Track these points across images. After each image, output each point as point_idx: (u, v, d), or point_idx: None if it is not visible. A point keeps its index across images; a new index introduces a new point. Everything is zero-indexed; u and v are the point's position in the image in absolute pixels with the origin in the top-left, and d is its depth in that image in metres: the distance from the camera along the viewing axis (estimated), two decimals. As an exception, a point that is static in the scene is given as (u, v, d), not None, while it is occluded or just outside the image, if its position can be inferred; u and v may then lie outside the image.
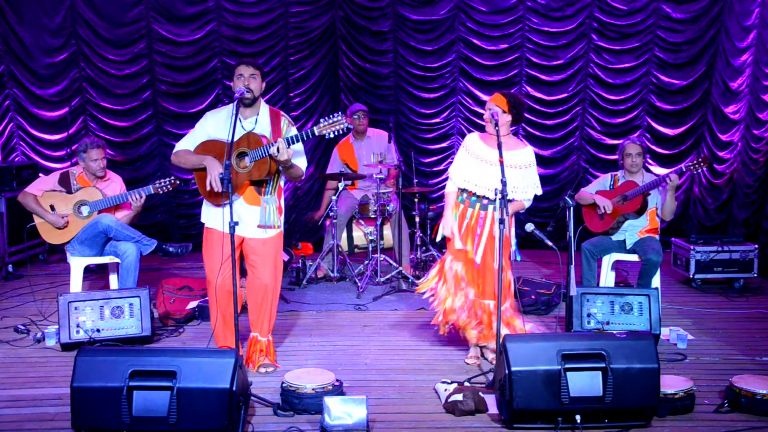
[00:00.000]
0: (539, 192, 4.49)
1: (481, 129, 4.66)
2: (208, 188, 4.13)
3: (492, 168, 4.29)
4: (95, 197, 5.41)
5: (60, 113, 7.87)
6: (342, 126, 4.07)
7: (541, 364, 3.47)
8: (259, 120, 4.26)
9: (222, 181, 3.87)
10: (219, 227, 4.20)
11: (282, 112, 4.36)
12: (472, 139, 4.51)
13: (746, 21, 7.20)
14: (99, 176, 5.51)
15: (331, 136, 4.11)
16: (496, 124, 4.24)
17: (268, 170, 4.14)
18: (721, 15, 7.52)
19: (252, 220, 4.26)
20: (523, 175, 4.39)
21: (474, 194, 4.41)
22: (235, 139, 4.05)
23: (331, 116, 4.09)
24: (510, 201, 4.24)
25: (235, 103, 4.10)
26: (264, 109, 4.31)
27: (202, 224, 4.41)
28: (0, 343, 4.91)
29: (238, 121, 4.12)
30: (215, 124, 4.28)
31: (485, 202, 4.39)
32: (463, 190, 4.46)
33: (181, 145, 4.35)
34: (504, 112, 4.35)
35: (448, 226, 4.46)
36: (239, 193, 4.22)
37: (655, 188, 5.52)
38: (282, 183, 4.38)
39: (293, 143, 4.09)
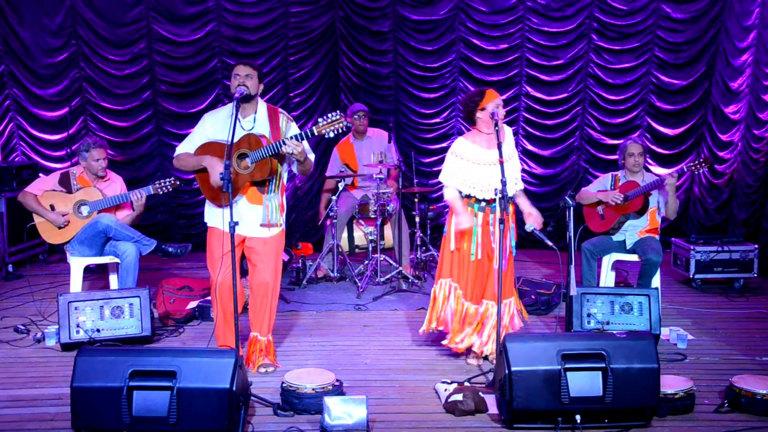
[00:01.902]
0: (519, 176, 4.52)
1: None
2: (215, 186, 4.14)
3: (490, 168, 4.27)
4: (95, 197, 5.41)
5: (60, 113, 7.87)
6: (341, 125, 4.04)
7: (541, 364, 3.47)
8: (257, 118, 4.25)
9: (222, 181, 3.87)
10: (220, 226, 4.21)
11: (280, 109, 4.34)
12: (462, 144, 4.40)
13: (746, 21, 7.20)
14: (100, 176, 5.51)
15: (331, 135, 4.08)
16: (496, 124, 4.23)
17: (269, 170, 4.14)
18: (721, 15, 7.51)
19: (255, 219, 4.25)
20: (513, 166, 4.39)
21: (472, 198, 4.37)
22: (235, 140, 4.05)
23: (329, 115, 4.06)
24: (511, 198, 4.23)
25: (235, 103, 4.09)
26: (261, 107, 4.29)
27: (203, 224, 4.42)
28: (0, 343, 4.92)
29: (237, 121, 4.12)
30: (214, 126, 4.27)
31: (483, 204, 4.36)
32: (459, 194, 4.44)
33: (181, 149, 4.34)
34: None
35: (465, 220, 4.29)
36: (242, 193, 4.22)
37: (655, 189, 5.51)
38: (285, 180, 4.36)
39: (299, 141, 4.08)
